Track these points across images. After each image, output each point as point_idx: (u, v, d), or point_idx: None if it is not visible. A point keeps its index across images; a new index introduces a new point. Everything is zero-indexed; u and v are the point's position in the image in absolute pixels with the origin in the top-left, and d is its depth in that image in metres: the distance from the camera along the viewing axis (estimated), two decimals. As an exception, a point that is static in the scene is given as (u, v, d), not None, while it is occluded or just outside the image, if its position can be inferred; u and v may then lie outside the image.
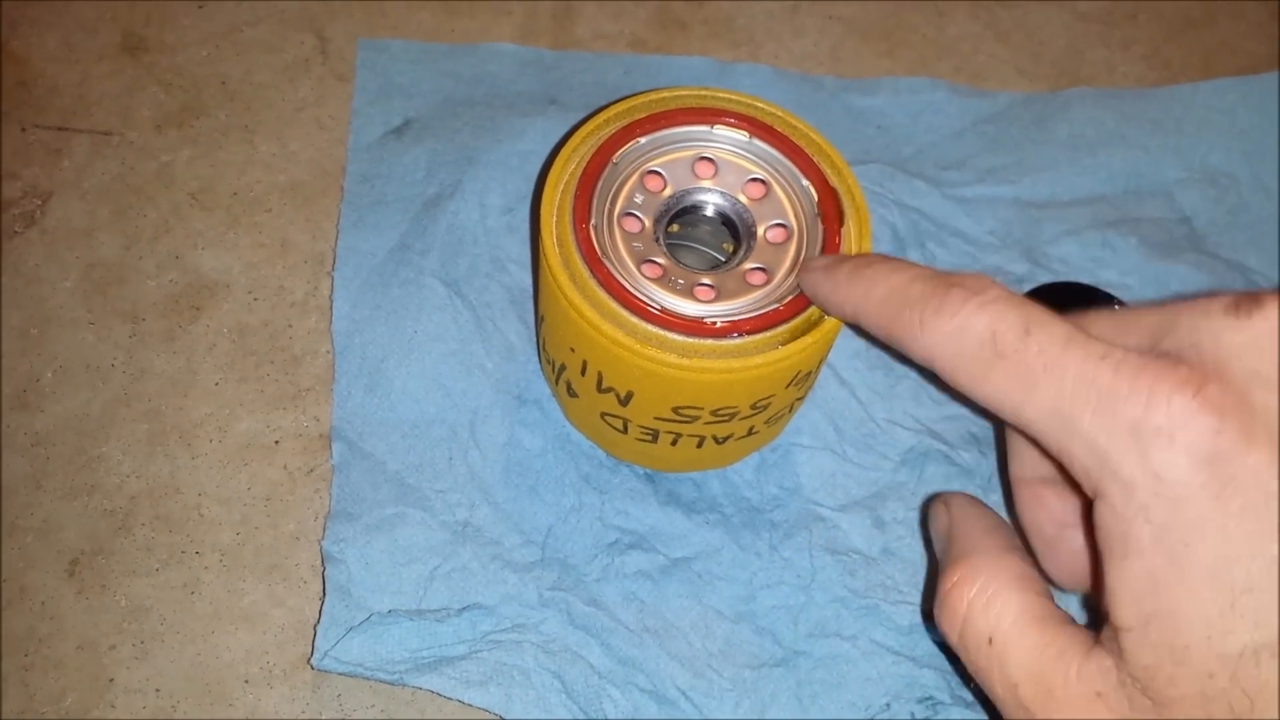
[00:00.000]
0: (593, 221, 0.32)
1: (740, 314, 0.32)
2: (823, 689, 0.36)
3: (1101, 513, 0.23)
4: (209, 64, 0.48)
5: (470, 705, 0.34)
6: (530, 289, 0.43)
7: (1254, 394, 0.21)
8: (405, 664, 0.35)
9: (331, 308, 0.41)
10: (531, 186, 0.44)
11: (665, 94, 0.35)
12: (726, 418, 0.34)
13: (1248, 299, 0.22)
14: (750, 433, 0.36)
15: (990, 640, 0.26)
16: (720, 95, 0.35)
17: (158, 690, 0.35)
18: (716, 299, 0.32)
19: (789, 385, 0.33)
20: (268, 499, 0.39)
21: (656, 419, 0.34)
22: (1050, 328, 0.24)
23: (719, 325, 0.31)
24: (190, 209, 0.44)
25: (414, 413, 0.40)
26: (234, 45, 0.48)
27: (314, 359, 0.41)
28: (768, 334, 0.31)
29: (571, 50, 0.49)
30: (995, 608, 0.26)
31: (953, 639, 0.27)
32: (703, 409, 0.33)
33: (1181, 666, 0.21)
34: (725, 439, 0.35)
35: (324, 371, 0.41)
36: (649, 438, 0.35)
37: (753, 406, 0.33)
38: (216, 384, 0.41)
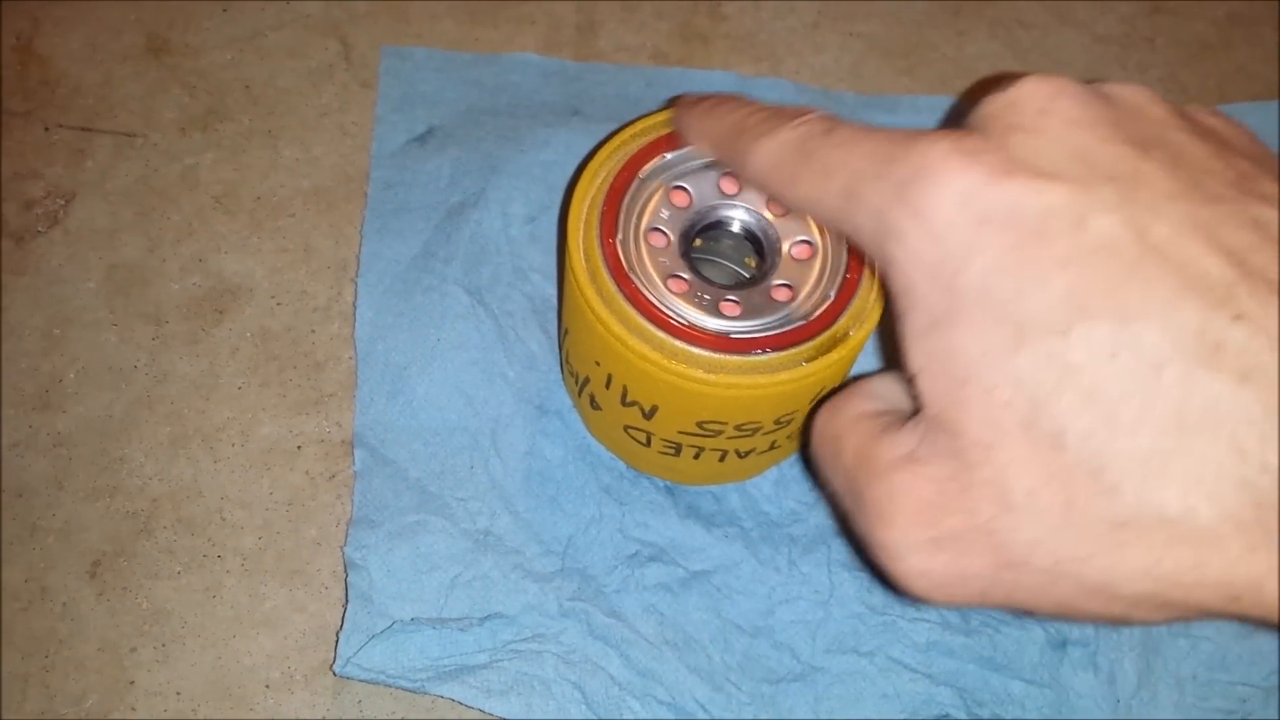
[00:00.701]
0: (619, 236, 0.33)
1: (766, 330, 0.32)
2: (840, 705, 0.36)
3: (890, 277, 0.24)
4: (233, 68, 0.48)
5: (491, 714, 0.34)
6: (552, 299, 0.43)
7: (1011, 139, 0.22)
8: (426, 672, 0.35)
9: (355, 314, 0.42)
10: (554, 196, 0.44)
11: (693, 110, 0.36)
12: (749, 432, 0.34)
13: (1012, 77, 0.24)
14: (772, 447, 0.36)
15: (835, 440, 0.27)
16: (748, 112, 0.36)
17: (178, 693, 0.36)
18: (742, 315, 0.32)
19: (813, 400, 0.34)
20: (289, 504, 0.39)
21: (680, 433, 0.34)
22: (849, 126, 0.25)
23: (745, 341, 0.31)
24: (213, 212, 0.44)
25: (436, 420, 0.40)
26: (257, 49, 0.49)
27: (336, 365, 0.41)
28: (793, 350, 0.31)
29: (594, 61, 0.49)
30: (840, 412, 0.27)
31: (813, 453, 0.28)
32: (727, 424, 0.33)
33: (964, 386, 0.22)
34: (747, 453, 0.36)
35: (346, 377, 0.41)
36: (671, 451, 0.36)
37: (776, 422, 0.34)
38: (239, 388, 0.41)
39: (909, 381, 0.24)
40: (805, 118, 0.27)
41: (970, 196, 0.22)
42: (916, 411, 0.24)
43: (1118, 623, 0.23)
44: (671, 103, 0.34)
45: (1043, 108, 0.23)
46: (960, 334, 0.22)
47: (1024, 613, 0.24)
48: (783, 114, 0.28)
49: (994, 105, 0.24)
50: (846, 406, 0.28)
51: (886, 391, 0.28)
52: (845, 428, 0.27)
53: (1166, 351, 0.19)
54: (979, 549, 0.22)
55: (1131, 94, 0.24)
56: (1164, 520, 0.19)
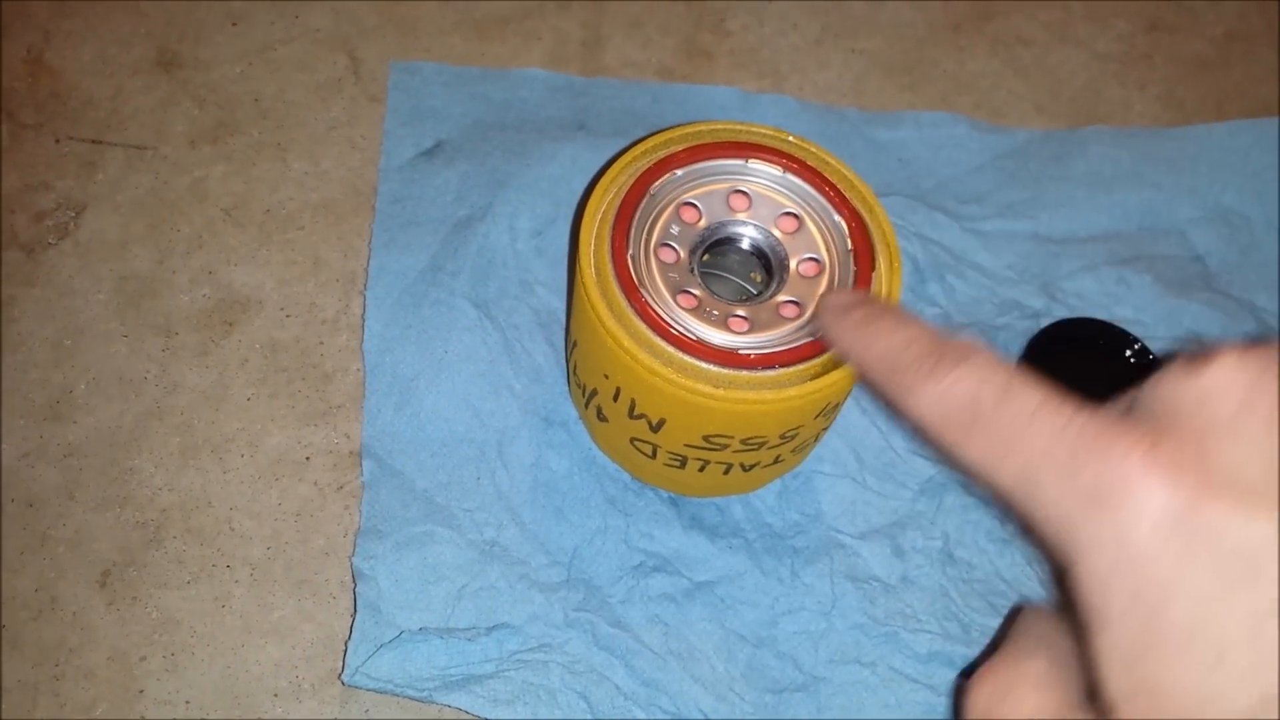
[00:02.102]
0: (630, 251, 0.33)
1: (774, 346, 0.32)
2: (842, 715, 0.37)
3: (1075, 582, 0.23)
4: (242, 81, 0.49)
5: (497, 724, 0.35)
6: (557, 312, 0.43)
7: (1209, 445, 0.21)
8: (434, 681, 0.35)
9: (363, 326, 0.42)
10: (561, 211, 0.45)
11: (701, 127, 0.36)
12: (755, 446, 0.34)
13: (1201, 356, 0.23)
14: (776, 460, 0.36)
15: None
16: (755, 130, 0.36)
17: (188, 702, 0.36)
18: (750, 330, 0.33)
19: (818, 416, 0.34)
20: (298, 514, 0.39)
21: (687, 446, 0.35)
22: (1025, 393, 0.24)
23: (754, 357, 0.32)
24: (223, 225, 0.45)
25: (443, 432, 0.40)
26: (267, 63, 0.49)
27: (345, 376, 0.42)
28: (801, 366, 0.32)
29: (600, 77, 0.50)
30: (1009, 703, 0.26)
31: None
32: (733, 438, 0.34)
33: None
34: (752, 466, 0.36)
35: (354, 389, 0.42)
36: (677, 464, 0.36)
37: (781, 436, 0.34)
38: (248, 399, 0.41)
39: (1103, 698, 0.23)
40: (974, 365, 0.25)
41: (1174, 522, 0.21)
42: (1092, 696, 0.23)
43: None
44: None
45: (1239, 405, 0.21)
46: (1171, 676, 0.21)
47: None
48: (947, 354, 0.26)
49: (1185, 397, 0.22)
50: (1017, 698, 0.26)
51: (1056, 682, 0.26)
52: None
53: None
54: None
55: None
56: None
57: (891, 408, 0.28)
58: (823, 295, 0.33)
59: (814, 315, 0.33)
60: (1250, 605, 0.20)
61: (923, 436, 0.27)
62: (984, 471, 0.25)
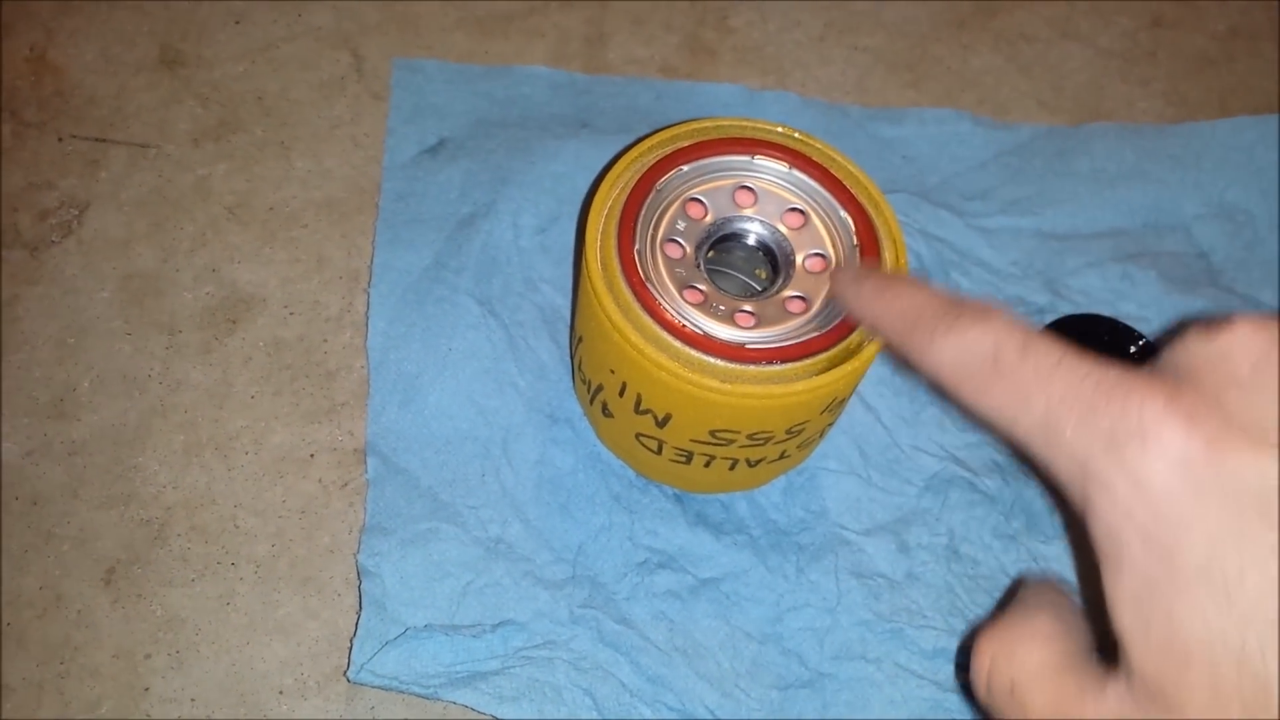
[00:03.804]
0: (637, 247, 0.33)
1: (780, 341, 0.32)
2: (847, 711, 0.36)
3: (1092, 524, 0.24)
4: (245, 79, 0.49)
5: (503, 721, 0.35)
6: (561, 309, 0.43)
7: (1226, 396, 0.22)
8: (439, 678, 0.35)
9: (367, 324, 0.42)
10: (564, 208, 0.45)
11: (707, 123, 0.36)
12: (761, 442, 0.34)
13: (1220, 320, 0.24)
14: (782, 456, 0.36)
15: (1012, 687, 0.27)
16: (761, 126, 0.36)
17: (193, 700, 0.36)
18: (756, 326, 0.33)
19: (824, 411, 0.34)
20: (302, 512, 0.39)
21: (693, 441, 0.35)
22: (1046, 347, 0.25)
23: (760, 351, 0.32)
24: (227, 223, 0.45)
25: (447, 429, 0.40)
26: (270, 62, 0.49)
27: (348, 374, 0.42)
28: (807, 361, 0.32)
29: (603, 74, 0.50)
30: (1016, 658, 0.27)
31: (981, 692, 0.28)
32: (739, 433, 0.34)
33: (1187, 667, 0.22)
34: (757, 462, 0.36)
35: (358, 387, 0.41)
36: (683, 459, 0.36)
37: (787, 431, 0.34)
38: (252, 397, 0.41)
39: (1116, 640, 0.24)
40: (995, 321, 0.26)
41: (1190, 464, 0.21)
42: (1101, 649, 0.24)
43: None
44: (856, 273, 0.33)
45: (1258, 360, 0.22)
46: (1182, 609, 0.22)
47: None
48: (966, 309, 0.27)
49: (1205, 354, 0.23)
50: (1024, 652, 0.27)
51: (1063, 628, 0.27)
52: (1030, 677, 0.26)
53: None
54: None
55: None
56: None
57: (910, 363, 0.29)
58: (834, 270, 0.33)
59: (829, 292, 0.33)
60: (1261, 544, 0.21)
61: (941, 389, 0.27)
62: (1003, 421, 0.25)
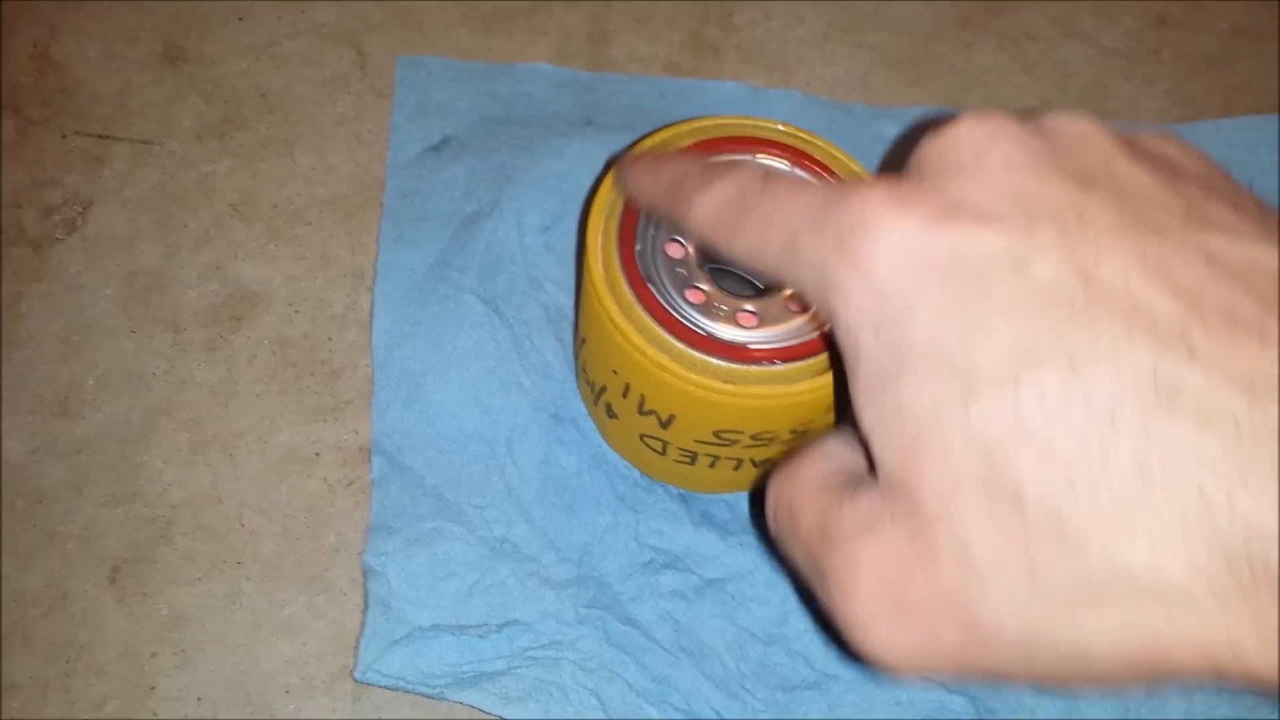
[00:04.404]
0: (638, 247, 0.33)
1: (783, 341, 0.32)
2: (853, 712, 0.37)
3: (836, 334, 0.23)
4: (249, 76, 0.48)
5: (509, 720, 0.35)
6: (566, 308, 0.43)
7: (947, 182, 0.22)
8: (445, 679, 0.35)
9: (371, 322, 0.42)
10: (568, 206, 0.45)
11: (709, 122, 0.36)
12: (766, 442, 0.34)
13: (949, 119, 0.24)
14: (786, 456, 0.36)
15: (790, 510, 0.26)
16: (763, 124, 0.36)
17: (199, 699, 0.36)
18: (759, 325, 0.33)
19: (828, 410, 0.34)
20: (308, 510, 0.39)
21: (697, 442, 0.35)
22: (787, 181, 0.25)
23: (762, 351, 0.32)
24: (231, 220, 0.45)
25: (452, 428, 0.40)
26: (273, 58, 0.49)
27: (353, 372, 0.42)
28: (811, 361, 0.32)
29: (607, 72, 0.50)
30: (794, 480, 0.26)
31: (770, 524, 0.27)
32: (743, 433, 0.34)
33: (920, 450, 0.21)
34: (762, 462, 0.36)
35: (363, 385, 0.42)
36: (687, 460, 0.36)
37: (792, 431, 0.34)
38: (257, 395, 0.41)
39: (863, 442, 0.23)
40: (741, 169, 0.27)
41: (907, 245, 0.21)
42: (873, 472, 0.23)
43: (1101, 690, 0.21)
44: (626, 155, 0.34)
45: (978, 148, 0.22)
46: (909, 389, 0.21)
47: (1004, 683, 0.23)
48: (718, 167, 0.28)
49: (929, 148, 0.23)
50: (801, 472, 0.26)
51: (841, 451, 0.26)
52: (801, 495, 0.25)
53: (1120, 398, 0.18)
54: (946, 618, 0.20)
55: (1073, 125, 0.23)
56: (1133, 580, 0.18)
57: (675, 226, 0.30)
58: (623, 158, 0.34)
59: (616, 169, 0.34)
60: (981, 310, 0.20)
61: (706, 249, 0.28)
62: (753, 257, 0.26)
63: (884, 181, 0.23)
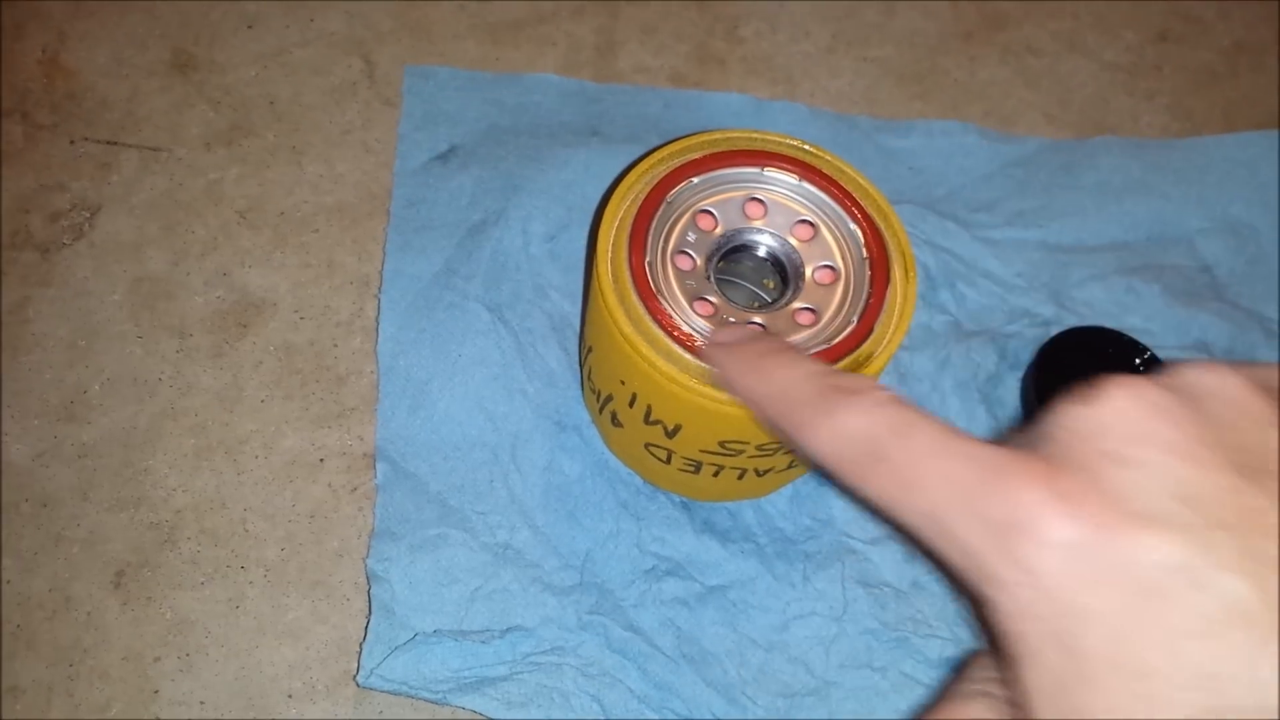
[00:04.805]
0: (648, 259, 0.33)
1: (789, 352, 0.32)
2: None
3: (994, 621, 0.23)
4: (257, 84, 0.49)
5: (511, 726, 0.35)
6: (570, 316, 0.44)
7: (1104, 473, 0.22)
8: (448, 684, 0.35)
9: (377, 329, 0.42)
10: (574, 215, 0.45)
11: (717, 135, 0.36)
12: (770, 452, 0.35)
13: (1094, 386, 0.23)
14: (790, 466, 0.37)
15: None
16: (771, 138, 0.36)
17: (202, 703, 0.36)
18: (766, 337, 0.33)
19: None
20: (312, 516, 0.39)
21: (702, 451, 0.35)
22: (923, 430, 0.24)
23: (769, 363, 0.32)
24: (238, 227, 0.45)
25: (456, 435, 0.41)
26: (282, 67, 0.49)
27: (358, 379, 0.42)
28: (816, 373, 0.32)
29: (613, 83, 0.50)
30: None
31: None
32: (748, 443, 0.34)
33: None
34: (765, 472, 0.36)
35: (368, 392, 0.42)
36: (691, 469, 0.36)
37: (796, 442, 0.34)
38: (262, 401, 0.41)
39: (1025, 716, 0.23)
40: (867, 400, 0.25)
41: (1077, 553, 0.21)
42: None
43: None
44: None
45: (1133, 433, 0.22)
46: (1095, 703, 0.21)
47: None
48: (840, 388, 0.26)
49: (1080, 426, 0.22)
50: None
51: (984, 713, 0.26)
52: None
53: None
54: None
55: (1219, 387, 0.23)
56: None
57: (790, 445, 0.28)
58: (713, 331, 0.32)
59: (704, 349, 0.32)
60: (1163, 630, 0.20)
61: (826, 473, 0.26)
62: (890, 510, 0.25)
63: (1038, 469, 0.22)
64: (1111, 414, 0.22)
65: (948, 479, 0.23)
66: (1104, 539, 0.21)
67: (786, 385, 0.28)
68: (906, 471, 0.24)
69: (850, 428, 0.25)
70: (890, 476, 0.24)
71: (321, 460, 0.40)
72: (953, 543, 0.23)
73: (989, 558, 0.22)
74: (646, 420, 0.35)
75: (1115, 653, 0.21)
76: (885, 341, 0.33)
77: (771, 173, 0.36)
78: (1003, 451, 0.23)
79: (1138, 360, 0.43)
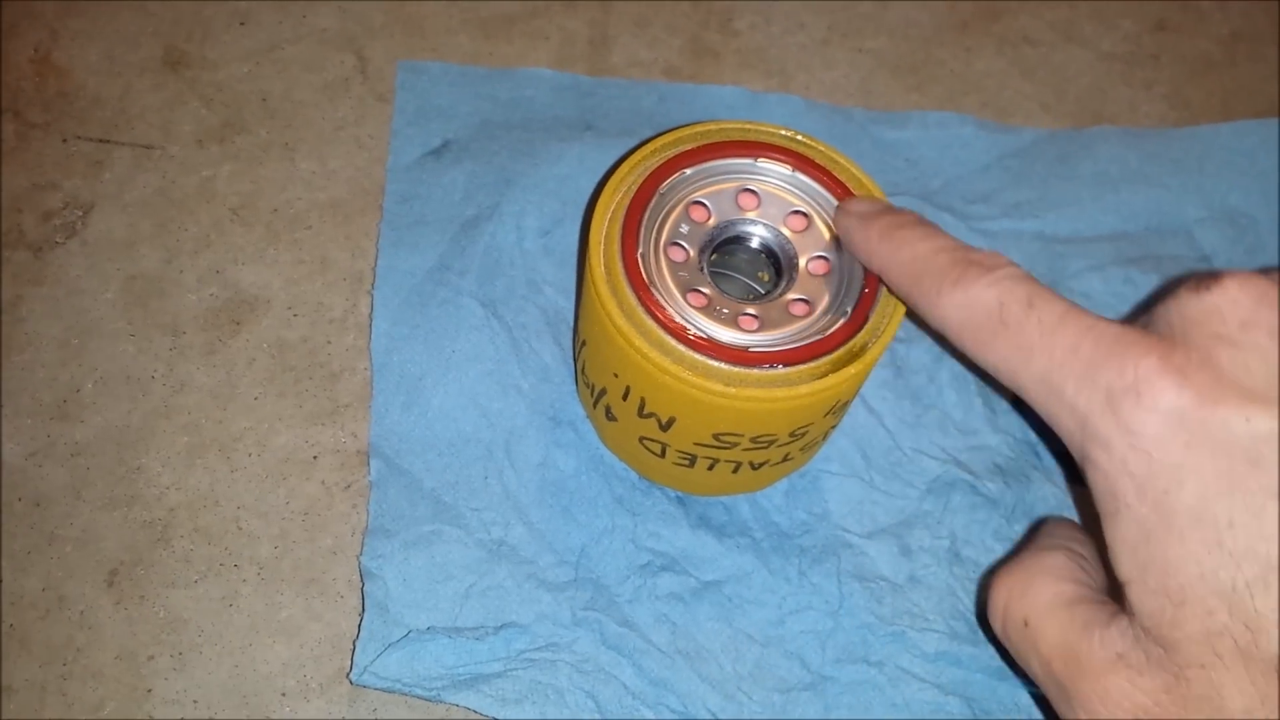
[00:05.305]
0: (640, 250, 0.33)
1: (784, 344, 0.32)
2: (850, 714, 0.36)
3: (1091, 475, 0.25)
4: (249, 81, 0.49)
5: (506, 723, 0.35)
6: (565, 311, 0.43)
7: (1216, 353, 0.23)
8: (442, 681, 0.35)
9: (370, 326, 0.42)
10: (568, 210, 0.45)
11: (710, 126, 0.36)
12: (765, 445, 0.34)
13: (1209, 277, 0.25)
14: (785, 459, 0.36)
15: (1025, 623, 0.28)
16: (764, 129, 0.36)
17: (195, 701, 0.36)
18: (760, 329, 0.33)
19: (828, 414, 0.34)
20: (305, 513, 0.39)
21: (696, 445, 0.35)
22: (1050, 303, 0.26)
23: (763, 355, 0.32)
24: (231, 224, 0.45)
25: (450, 431, 0.40)
26: (274, 63, 0.49)
27: (352, 376, 0.42)
28: (811, 364, 0.32)
29: (607, 76, 0.50)
30: (1029, 595, 0.28)
31: (996, 628, 0.29)
32: (743, 436, 0.34)
33: (1181, 608, 0.23)
34: (761, 465, 0.36)
35: (362, 388, 0.42)
36: (686, 462, 0.36)
37: (791, 434, 0.34)
38: (256, 398, 0.41)
39: (1120, 586, 0.25)
40: (1000, 273, 0.27)
41: (1182, 418, 0.23)
42: (1110, 591, 0.25)
43: None
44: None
45: (1246, 319, 0.23)
46: (1176, 554, 0.23)
47: None
48: (974, 261, 0.28)
49: (1195, 311, 0.24)
50: (1036, 589, 0.28)
51: (1073, 571, 0.28)
52: (1040, 614, 0.28)
53: None
54: None
55: None
56: None
57: (915, 314, 0.30)
58: (842, 202, 0.33)
59: (838, 220, 0.33)
60: (1251, 490, 0.22)
61: (944, 341, 0.28)
62: (1006, 375, 0.27)
63: (1153, 342, 0.24)
64: (1224, 301, 0.24)
65: (1070, 347, 0.25)
66: (1207, 408, 0.23)
67: (921, 255, 0.29)
68: (1029, 340, 0.26)
69: (982, 298, 0.27)
70: (1013, 344, 0.26)
71: (315, 457, 0.40)
72: (1064, 405, 0.25)
73: (1098, 418, 0.24)
74: (641, 413, 0.34)
75: (1201, 510, 0.23)
76: (880, 332, 0.32)
77: (765, 163, 0.35)
78: (1124, 327, 0.25)
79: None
